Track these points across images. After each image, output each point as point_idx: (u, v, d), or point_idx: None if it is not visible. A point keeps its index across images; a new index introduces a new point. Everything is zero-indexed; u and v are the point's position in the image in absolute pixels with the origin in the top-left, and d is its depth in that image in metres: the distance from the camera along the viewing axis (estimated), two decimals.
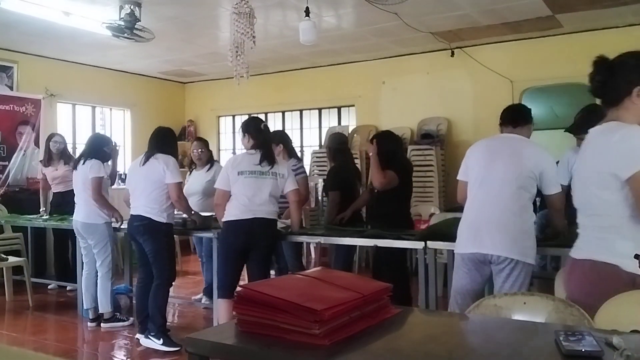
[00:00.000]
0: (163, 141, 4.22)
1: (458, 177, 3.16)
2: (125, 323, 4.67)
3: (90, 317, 4.71)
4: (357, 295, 1.56)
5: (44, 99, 7.22)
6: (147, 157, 4.13)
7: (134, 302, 4.74)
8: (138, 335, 4.23)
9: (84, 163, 4.64)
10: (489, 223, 2.91)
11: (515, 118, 3.12)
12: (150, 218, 4.03)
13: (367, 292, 1.61)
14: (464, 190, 3.09)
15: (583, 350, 1.32)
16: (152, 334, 4.08)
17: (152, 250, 4.08)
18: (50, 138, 6.02)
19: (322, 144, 8.00)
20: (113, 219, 4.71)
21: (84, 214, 4.64)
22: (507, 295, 2.00)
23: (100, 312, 4.67)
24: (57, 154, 5.95)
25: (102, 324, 4.64)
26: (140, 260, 4.24)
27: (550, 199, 3.04)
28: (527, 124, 3.13)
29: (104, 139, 5.12)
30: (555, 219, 3.14)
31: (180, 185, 4.19)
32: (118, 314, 4.74)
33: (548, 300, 1.87)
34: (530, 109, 3.21)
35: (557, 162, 3.29)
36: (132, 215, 4.17)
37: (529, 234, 2.91)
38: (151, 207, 4.05)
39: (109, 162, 5.08)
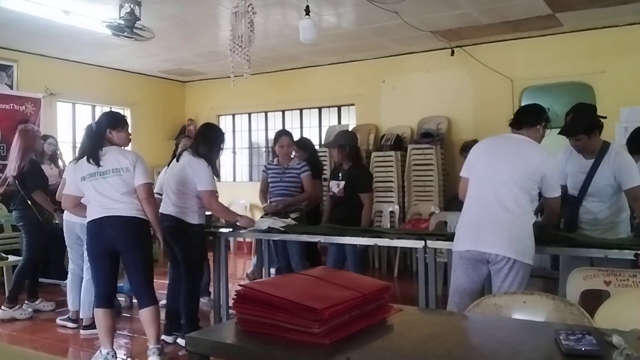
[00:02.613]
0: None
1: (461, 174, 3.16)
2: None
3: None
4: (357, 294, 1.56)
5: (44, 97, 7.21)
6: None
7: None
8: (164, 337, 4.06)
9: None
10: (488, 222, 2.90)
11: (518, 120, 3.07)
12: (182, 220, 3.96)
13: (367, 291, 1.61)
14: (466, 187, 3.08)
15: (583, 349, 1.33)
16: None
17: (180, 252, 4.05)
18: (44, 140, 6.00)
19: (322, 142, 7.99)
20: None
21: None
22: (507, 294, 2.00)
23: (80, 317, 4.52)
24: (51, 156, 5.95)
25: (81, 331, 4.48)
26: (172, 259, 4.22)
27: (549, 202, 3.06)
28: (533, 125, 3.01)
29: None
30: (550, 220, 3.22)
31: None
32: None
33: (548, 300, 1.87)
34: (540, 111, 3.08)
35: None
36: (162, 214, 3.97)
37: (528, 235, 2.89)
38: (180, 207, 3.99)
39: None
